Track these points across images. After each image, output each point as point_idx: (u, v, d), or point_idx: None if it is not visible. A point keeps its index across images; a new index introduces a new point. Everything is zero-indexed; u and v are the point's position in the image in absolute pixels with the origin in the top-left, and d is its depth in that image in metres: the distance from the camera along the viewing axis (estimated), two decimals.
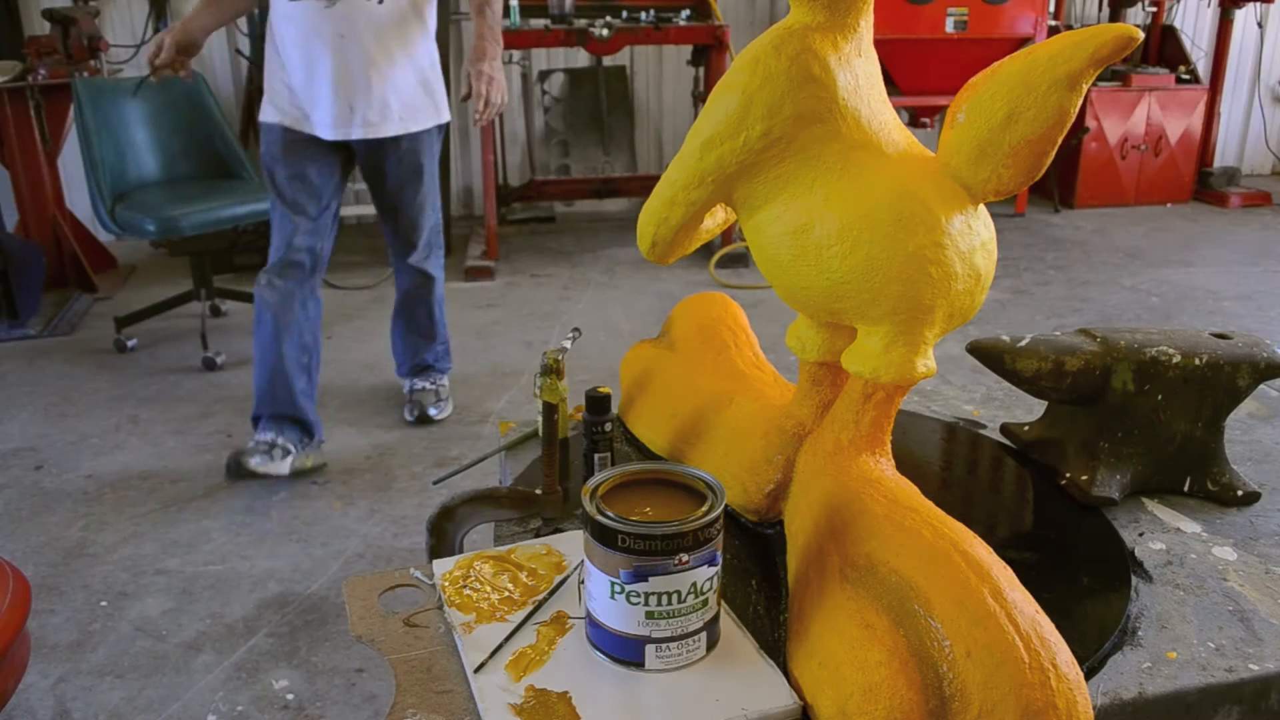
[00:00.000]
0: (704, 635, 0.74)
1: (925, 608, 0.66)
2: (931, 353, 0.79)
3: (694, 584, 0.72)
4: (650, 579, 0.71)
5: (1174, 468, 1.02)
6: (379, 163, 2.59)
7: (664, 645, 0.72)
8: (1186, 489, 1.02)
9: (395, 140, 2.52)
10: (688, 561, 0.71)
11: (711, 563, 0.73)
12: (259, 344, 2.54)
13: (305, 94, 2.42)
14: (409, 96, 2.50)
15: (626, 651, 0.73)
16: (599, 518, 0.72)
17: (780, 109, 0.77)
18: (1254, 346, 1.00)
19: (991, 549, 0.70)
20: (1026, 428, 1.12)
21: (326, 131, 2.44)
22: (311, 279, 2.57)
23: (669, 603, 0.71)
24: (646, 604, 0.71)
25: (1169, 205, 5.83)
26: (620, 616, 0.72)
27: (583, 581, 0.76)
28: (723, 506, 0.73)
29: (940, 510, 0.75)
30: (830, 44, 0.77)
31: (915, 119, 5.13)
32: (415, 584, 0.84)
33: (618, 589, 0.71)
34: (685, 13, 4.61)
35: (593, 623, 0.75)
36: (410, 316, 2.93)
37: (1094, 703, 0.70)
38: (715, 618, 0.75)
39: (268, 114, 2.47)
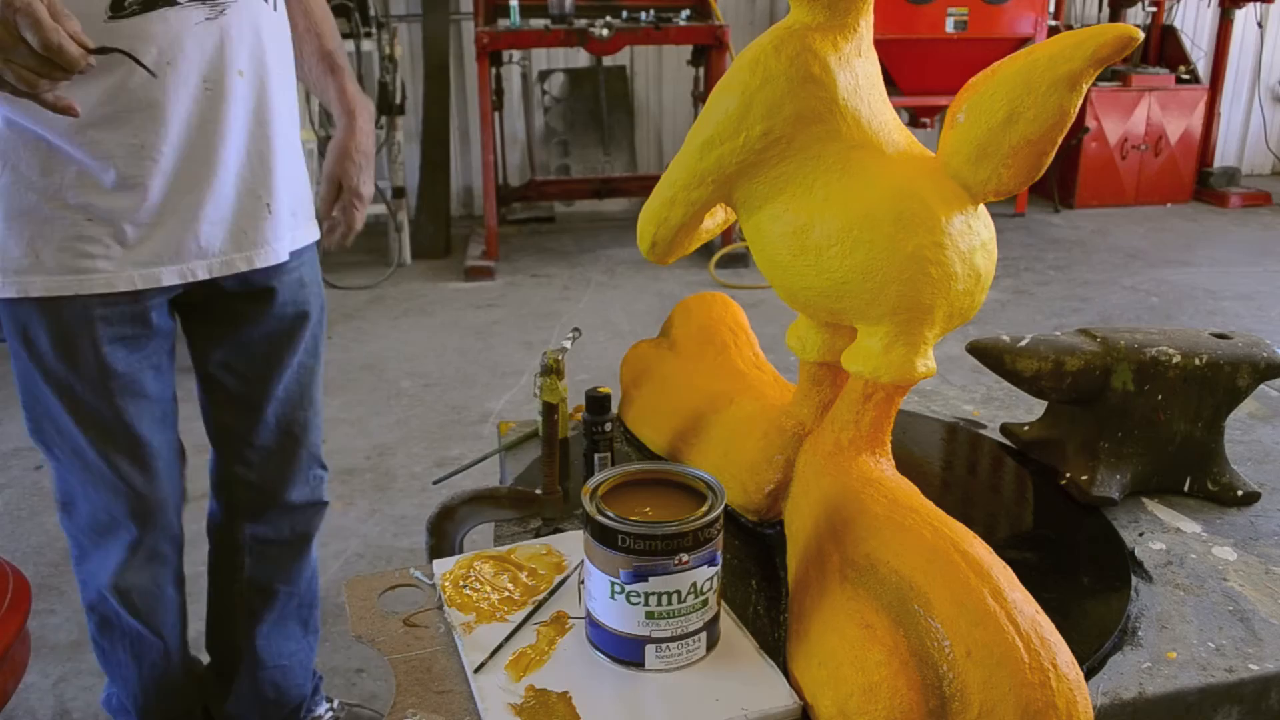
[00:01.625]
0: (704, 635, 0.74)
1: (925, 608, 0.66)
2: (931, 353, 0.79)
3: (694, 584, 0.72)
4: (650, 579, 0.71)
5: (1174, 468, 1.02)
6: (251, 309, 1.33)
7: (664, 645, 0.72)
8: (1186, 489, 1.02)
9: (281, 265, 1.31)
10: (688, 561, 0.71)
11: (711, 563, 0.73)
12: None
13: (150, 203, 1.15)
14: (303, 179, 1.36)
15: (626, 651, 0.73)
16: (599, 518, 0.72)
17: (780, 109, 0.77)
18: (1254, 346, 1.00)
19: (991, 549, 0.70)
20: (1026, 428, 1.12)
21: (201, 265, 1.21)
22: (177, 570, 1.39)
23: (669, 603, 0.71)
24: (646, 604, 0.71)
25: (1169, 205, 5.83)
26: (620, 616, 0.72)
27: (583, 581, 0.76)
28: (723, 506, 0.73)
29: (940, 510, 0.75)
30: (830, 44, 0.77)
31: (915, 119, 5.13)
32: (415, 584, 0.84)
33: (618, 589, 0.71)
34: (685, 13, 4.61)
35: (593, 623, 0.75)
36: (280, 607, 1.52)
37: (1094, 703, 0.70)
38: (715, 618, 0.75)
39: (24, 282, 1.14)
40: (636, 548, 0.70)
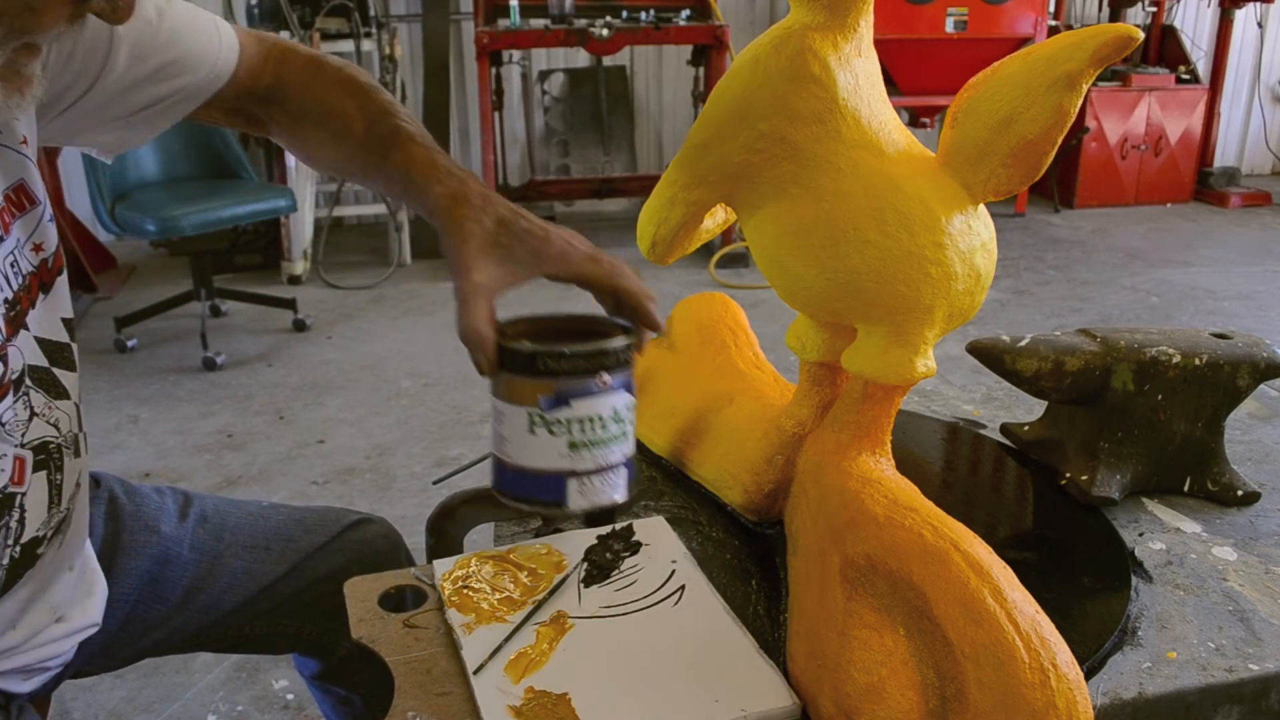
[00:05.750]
0: (625, 471, 0.73)
1: (925, 607, 0.66)
2: (931, 353, 0.79)
3: (615, 409, 0.70)
4: (573, 403, 0.69)
5: (1174, 468, 1.02)
6: None
7: (586, 479, 0.71)
8: (1186, 489, 1.02)
9: None
10: (609, 383, 0.69)
11: (629, 389, 0.72)
12: None
13: None
14: None
15: (547, 491, 0.71)
16: (514, 345, 0.69)
17: (780, 109, 0.77)
18: (1254, 346, 1.00)
19: (991, 549, 0.70)
20: (1026, 428, 1.12)
21: None
22: None
23: (592, 429, 0.70)
24: (569, 432, 0.69)
25: (1169, 205, 5.83)
26: (540, 451, 0.70)
27: (496, 432, 0.73)
28: (639, 338, 0.74)
29: (940, 510, 0.75)
30: (830, 44, 0.77)
31: (915, 119, 5.13)
32: (416, 584, 0.84)
33: (537, 420, 0.69)
34: (685, 13, 4.61)
35: (506, 470, 0.72)
36: None
37: (1094, 703, 0.70)
38: (634, 458, 0.75)
39: None
40: (558, 369, 0.68)
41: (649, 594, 0.82)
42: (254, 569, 1.05)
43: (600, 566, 0.85)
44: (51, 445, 0.81)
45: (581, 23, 4.29)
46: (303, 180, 4.36)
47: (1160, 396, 0.98)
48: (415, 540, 0.99)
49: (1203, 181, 5.89)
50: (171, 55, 0.88)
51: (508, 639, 0.76)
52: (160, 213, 3.25)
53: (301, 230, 4.41)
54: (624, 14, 4.52)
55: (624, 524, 0.91)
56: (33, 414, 0.79)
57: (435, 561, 0.86)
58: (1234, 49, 6.07)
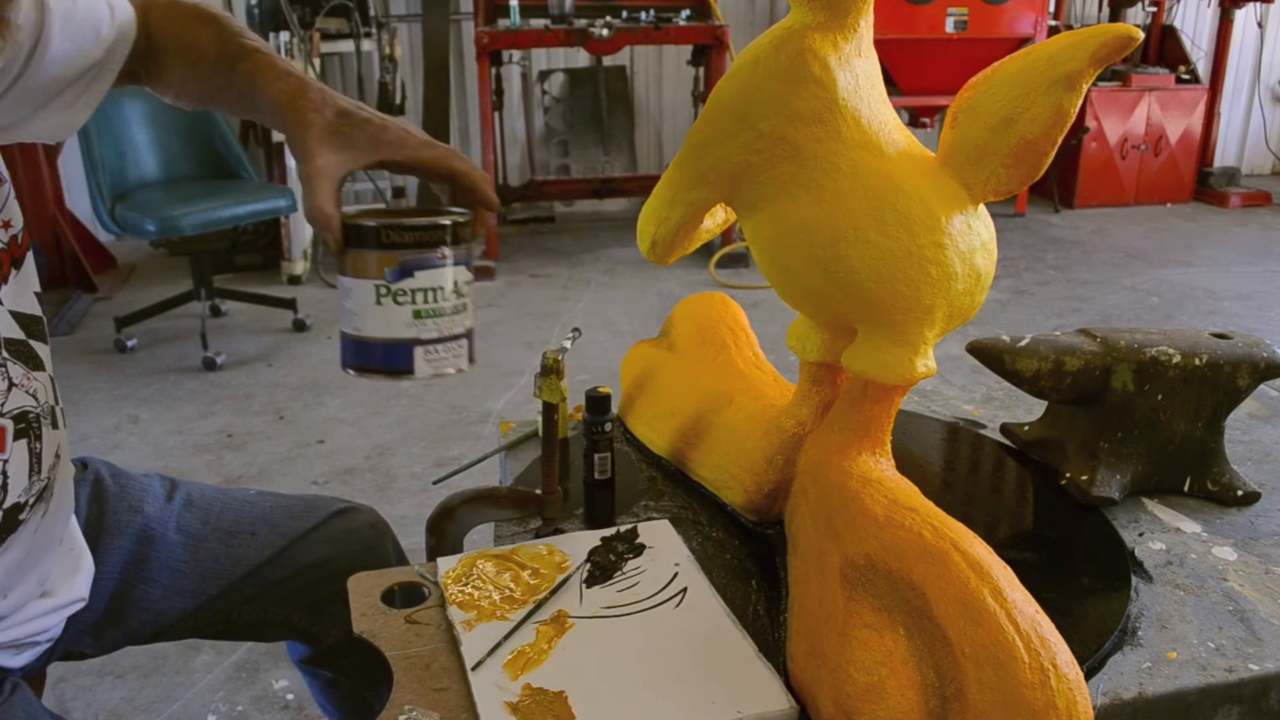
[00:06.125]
0: (466, 342, 0.79)
1: (925, 607, 0.66)
2: (931, 353, 0.79)
3: (455, 282, 0.76)
4: (416, 274, 0.73)
5: (1174, 468, 1.02)
6: None
7: (431, 347, 0.76)
8: (1186, 489, 1.02)
9: None
10: (448, 257, 0.74)
11: (468, 266, 0.77)
12: None
13: None
14: None
15: (395, 360, 0.75)
16: (358, 222, 0.74)
17: (780, 109, 0.77)
18: (1254, 346, 1.00)
19: (991, 549, 0.70)
20: (1026, 428, 1.12)
21: None
22: None
23: (434, 299, 0.74)
24: (414, 301, 0.74)
25: (1169, 205, 5.83)
26: (387, 322, 0.74)
27: (345, 310, 0.77)
28: (476, 218, 0.80)
29: (940, 510, 0.75)
30: (830, 44, 0.77)
31: (915, 119, 5.13)
32: (419, 580, 0.84)
33: (383, 291, 0.74)
34: (685, 13, 4.61)
35: (355, 343, 0.76)
36: None
37: (1094, 703, 0.70)
38: (473, 331, 0.80)
39: None
40: (399, 241, 0.73)
41: (651, 595, 0.82)
42: (239, 554, 1.06)
43: (603, 567, 0.85)
44: (31, 415, 0.84)
45: (581, 23, 4.29)
46: None
47: (1160, 396, 0.98)
48: (415, 540, 0.99)
49: (1203, 181, 5.89)
50: (89, 27, 0.90)
51: (507, 636, 0.76)
52: (160, 213, 3.25)
53: (301, 230, 4.41)
54: (624, 14, 4.52)
55: (628, 526, 0.91)
56: (11, 384, 0.82)
57: (439, 559, 0.86)
58: (1234, 49, 6.07)
